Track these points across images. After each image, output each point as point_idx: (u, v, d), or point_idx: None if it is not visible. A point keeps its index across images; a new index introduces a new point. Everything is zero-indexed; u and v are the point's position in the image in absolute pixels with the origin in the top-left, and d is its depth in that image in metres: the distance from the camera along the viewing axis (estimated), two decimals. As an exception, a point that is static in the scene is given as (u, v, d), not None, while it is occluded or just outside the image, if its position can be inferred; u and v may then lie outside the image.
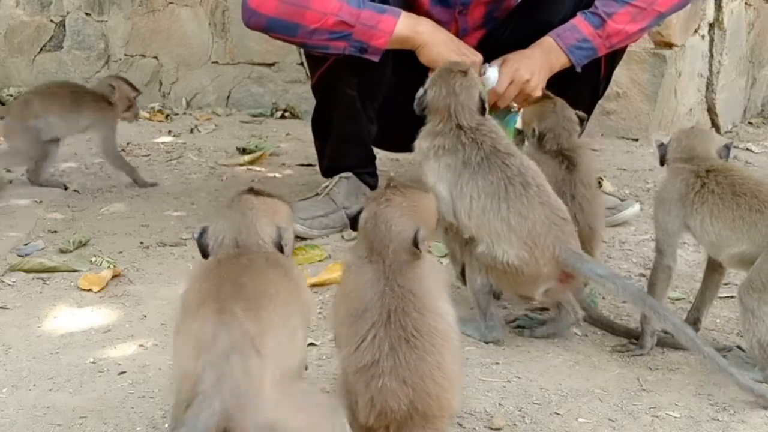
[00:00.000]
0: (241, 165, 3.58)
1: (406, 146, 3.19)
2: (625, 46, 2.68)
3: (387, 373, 1.48)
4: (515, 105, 2.59)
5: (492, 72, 2.51)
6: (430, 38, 2.43)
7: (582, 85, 2.59)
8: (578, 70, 2.53)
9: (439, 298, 1.60)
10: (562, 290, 2.04)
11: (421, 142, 2.15)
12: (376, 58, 2.45)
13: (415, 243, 1.59)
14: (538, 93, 2.51)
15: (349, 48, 2.43)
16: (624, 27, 2.52)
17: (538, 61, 2.50)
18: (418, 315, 1.54)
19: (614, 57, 2.69)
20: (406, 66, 2.72)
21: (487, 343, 2.06)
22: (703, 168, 1.99)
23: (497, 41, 2.63)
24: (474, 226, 2.00)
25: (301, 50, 4.48)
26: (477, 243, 2.01)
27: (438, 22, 2.68)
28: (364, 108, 2.74)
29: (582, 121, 2.36)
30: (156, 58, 4.88)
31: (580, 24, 2.52)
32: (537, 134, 2.31)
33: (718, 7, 4.09)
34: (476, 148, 2.05)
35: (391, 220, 1.61)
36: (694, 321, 2.08)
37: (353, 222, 1.66)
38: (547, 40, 2.52)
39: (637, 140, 3.85)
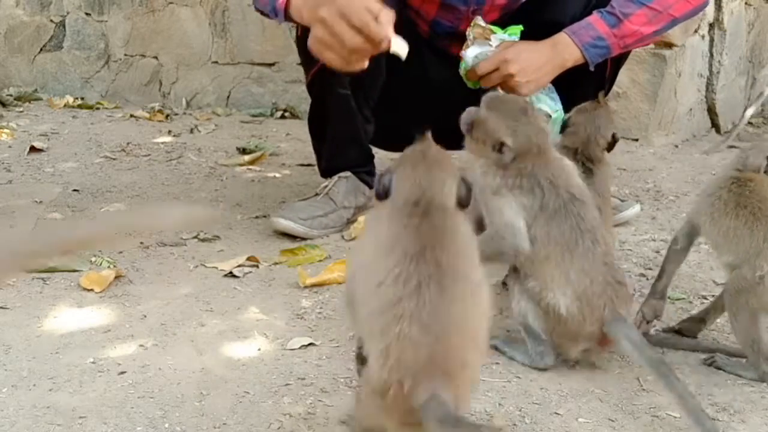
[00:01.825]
0: (241, 165, 3.58)
1: (403, 146, 3.19)
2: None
3: (407, 317, 1.35)
4: (500, 91, 2.59)
5: (471, 51, 2.51)
6: (310, 22, 2.08)
7: (588, 84, 2.59)
8: (591, 68, 2.54)
9: (474, 253, 1.48)
10: (598, 352, 1.96)
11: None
12: (280, 20, 2.27)
13: (467, 188, 1.51)
14: (526, 90, 2.49)
15: (267, 5, 2.28)
16: (639, 28, 2.53)
17: (542, 57, 2.49)
18: (455, 254, 1.41)
19: (620, 57, 2.70)
20: (403, 66, 2.72)
21: (537, 369, 1.95)
22: (732, 176, 2.00)
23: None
24: (530, 267, 1.92)
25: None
26: (528, 278, 1.92)
27: (449, 17, 2.67)
28: (359, 107, 2.73)
29: (615, 142, 2.36)
30: (156, 58, 4.88)
31: (596, 22, 2.52)
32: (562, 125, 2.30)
33: (718, 7, 4.09)
34: (554, 193, 1.93)
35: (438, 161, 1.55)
36: (699, 320, 2.08)
37: (385, 187, 1.53)
38: (562, 37, 2.53)
39: (637, 140, 3.85)
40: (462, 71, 2.60)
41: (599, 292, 1.87)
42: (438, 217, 1.47)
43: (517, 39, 2.57)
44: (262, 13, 2.41)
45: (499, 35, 2.56)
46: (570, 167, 2.00)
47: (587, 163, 2.27)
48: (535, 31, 2.57)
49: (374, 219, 1.57)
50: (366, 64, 2.08)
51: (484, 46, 2.55)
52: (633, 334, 1.85)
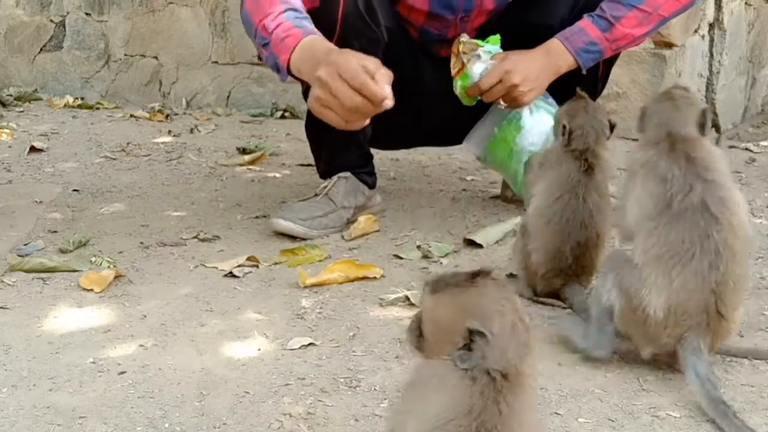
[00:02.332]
0: (241, 165, 3.58)
1: (402, 144, 3.20)
2: None
3: None
4: (502, 103, 2.61)
5: (477, 68, 2.52)
6: (310, 80, 2.12)
7: (580, 84, 2.60)
8: (584, 72, 2.55)
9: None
10: (666, 361, 1.91)
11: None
12: (283, 78, 2.27)
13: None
14: (529, 99, 2.52)
15: (269, 59, 2.26)
16: (631, 31, 2.55)
17: (538, 65, 2.51)
18: None
19: (612, 57, 2.71)
20: (398, 69, 2.73)
21: (588, 358, 1.94)
22: None
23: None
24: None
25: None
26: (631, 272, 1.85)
27: (437, 26, 2.69)
28: None
29: (612, 127, 2.35)
30: (156, 58, 4.89)
31: (587, 27, 2.54)
32: (567, 132, 2.25)
33: (718, 7, 4.09)
34: (688, 189, 1.82)
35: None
36: None
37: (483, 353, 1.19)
38: (555, 43, 2.54)
39: (637, 140, 3.84)
40: (458, 90, 2.61)
41: (691, 313, 1.79)
42: (513, 397, 1.19)
43: (498, 47, 2.60)
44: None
45: (486, 47, 2.58)
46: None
47: (591, 160, 2.25)
48: (524, 35, 2.58)
49: (432, 378, 1.24)
50: (366, 122, 2.08)
51: (486, 62, 2.56)
52: (702, 367, 1.78)
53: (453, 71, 2.64)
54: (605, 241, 2.29)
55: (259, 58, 2.46)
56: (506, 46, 2.61)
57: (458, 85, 2.62)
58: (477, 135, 2.76)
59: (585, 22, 2.55)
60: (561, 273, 2.21)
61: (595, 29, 2.53)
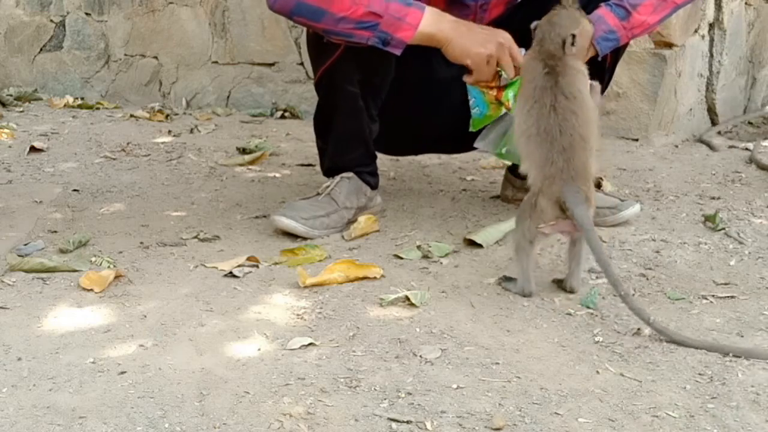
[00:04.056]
0: (241, 165, 3.59)
1: (406, 150, 3.20)
2: None
3: None
4: None
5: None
6: (453, 34, 2.48)
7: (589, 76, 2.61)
8: (599, 59, 2.58)
9: None
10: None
11: None
12: (398, 52, 2.48)
13: None
14: None
15: (372, 38, 2.45)
16: (647, 18, 2.60)
17: None
18: None
19: (618, 49, 2.72)
20: (410, 68, 2.72)
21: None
22: None
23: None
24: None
25: (302, 49, 4.50)
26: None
27: (456, 14, 2.69)
28: (366, 106, 2.74)
29: (574, 37, 2.34)
30: (156, 58, 4.89)
31: (606, 15, 2.58)
32: (535, 34, 2.34)
33: (718, 7, 4.09)
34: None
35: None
36: None
37: None
38: None
39: (637, 140, 3.85)
40: (512, 100, 2.56)
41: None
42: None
43: None
44: (341, 39, 2.50)
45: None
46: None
47: (551, 63, 2.26)
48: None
49: None
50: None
51: None
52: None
53: (490, 95, 2.60)
54: (593, 143, 2.26)
55: (327, 37, 2.54)
56: (518, 39, 2.59)
57: (510, 96, 2.57)
58: (492, 135, 2.74)
59: (603, 11, 2.58)
60: (556, 180, 2.19)
61: (614, 17, 2.57)
